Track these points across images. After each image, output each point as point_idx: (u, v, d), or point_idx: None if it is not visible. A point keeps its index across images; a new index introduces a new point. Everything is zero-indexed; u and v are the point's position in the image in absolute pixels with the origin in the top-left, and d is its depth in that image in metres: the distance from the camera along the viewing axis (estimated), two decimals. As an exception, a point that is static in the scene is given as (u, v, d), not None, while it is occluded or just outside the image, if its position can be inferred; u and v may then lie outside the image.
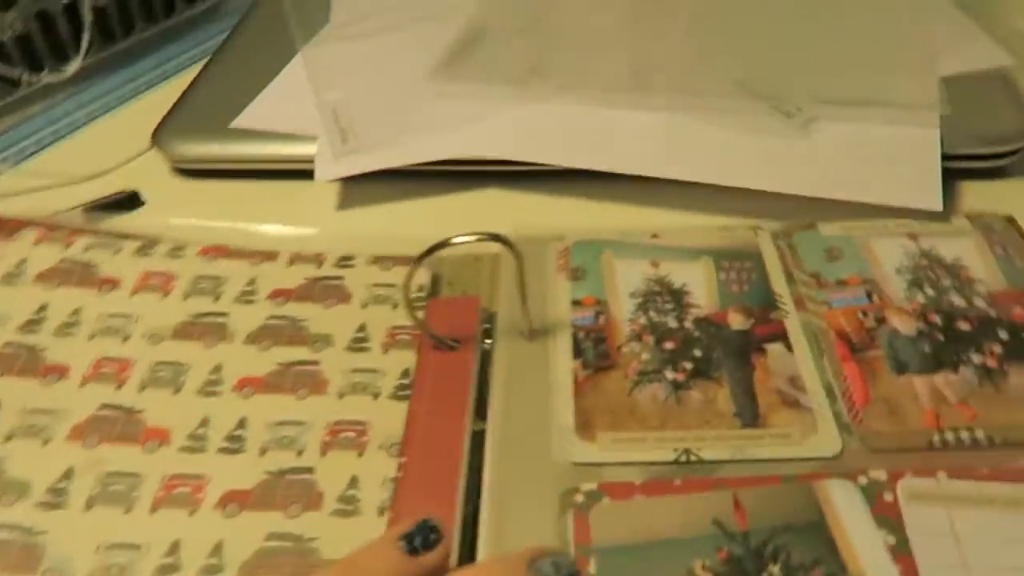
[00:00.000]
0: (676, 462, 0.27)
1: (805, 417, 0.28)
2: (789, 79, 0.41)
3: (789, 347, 0.31)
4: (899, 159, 0.38)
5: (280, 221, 0.41)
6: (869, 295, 0.32)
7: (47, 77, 0.51)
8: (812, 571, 0.24)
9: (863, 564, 0.24)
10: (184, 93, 0.48)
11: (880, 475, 0.26)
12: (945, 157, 0.37)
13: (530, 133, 0.41)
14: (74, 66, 0.52)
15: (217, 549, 0.27)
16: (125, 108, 0.52)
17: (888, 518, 0.25)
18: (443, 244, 0.31)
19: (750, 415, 0.29)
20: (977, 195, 0.38)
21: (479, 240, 0.30)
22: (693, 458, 0.27)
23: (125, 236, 0.40)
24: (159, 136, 0.45)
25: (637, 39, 0.44)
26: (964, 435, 0.27)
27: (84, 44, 0.52)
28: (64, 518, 0.28)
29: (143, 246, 0.39)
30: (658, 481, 0.27)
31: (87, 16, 0.51)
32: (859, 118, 0.40)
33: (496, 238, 0.31)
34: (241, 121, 0.45)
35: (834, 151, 0.39)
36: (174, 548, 0.27)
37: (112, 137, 0.49)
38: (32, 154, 0.48)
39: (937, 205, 0.35)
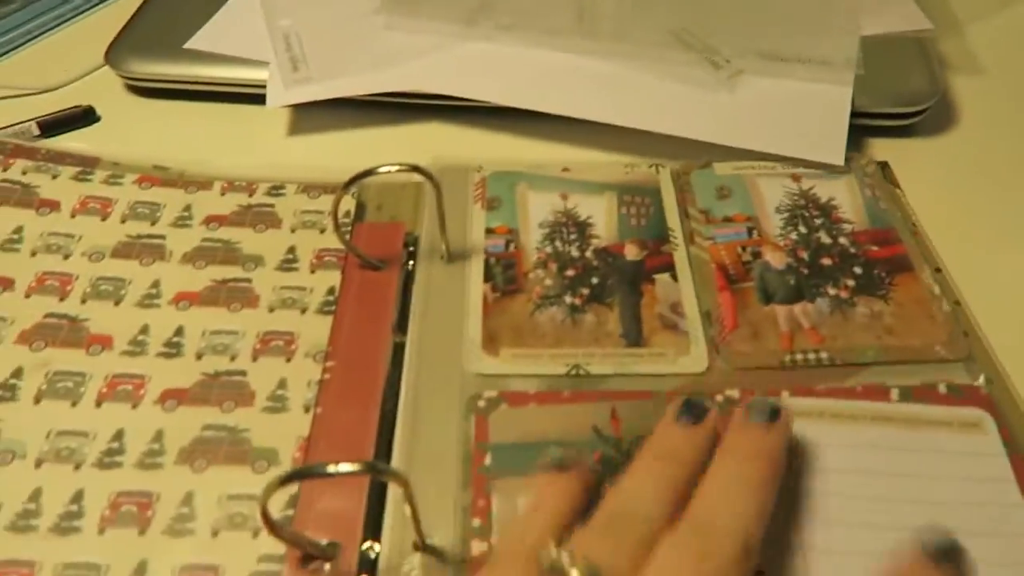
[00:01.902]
0: (567, 375, 0.31)
1: (681, 339, 0.33)
2: (721, 32, 0.43)
3: (675, 277, 0.35)
4: (811, 115, 0.41)
5: (230, 145, 0.43)
6: (750, 231, 0.36)
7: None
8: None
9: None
10: (139, 10, 0.49)
11: (734, 394, 0.30)
12: (857, 114, 0.41)
13: (473, 71, 0.43)
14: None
15: (158, 436, 0.30)
16: (80, 22, 0.52)
17: (737, 424, 0.29)
18: (368, 173, 0.33)
19: (634, 336, 0.33)
20: (883, 151, 0.42)
21: (401, 170, 0.33)
22: (582, 372, 0.31)
23: (62, 160, 0.41)
24: (113, 52, 0.46)
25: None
26: (811, 356, 0.32)
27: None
28: (15, 409, 0.31)
29: (81, 172, 0.40)
30: (550, 392, 0.31)
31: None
32: (781, 73, 0.42)
33: (416, 169, 0.33)
34: (195, 43, 0.46)
35: (753, 104, 0.41)
36: (118, 435, 0.30)
37: (66, 52, 0.50)
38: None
39: (839, 160, 0.39)
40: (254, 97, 0.44)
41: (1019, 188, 0.40)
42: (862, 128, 0.42)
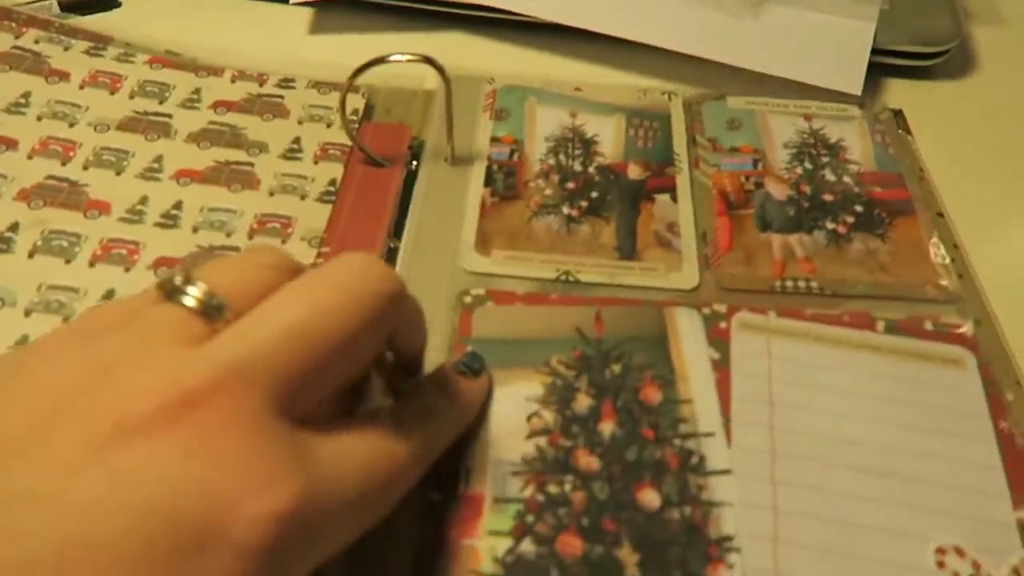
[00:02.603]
0: (557, 280, 0.32)
1: (673, 256, 0.33)
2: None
3: (675, 199, 0.35)
4: (833, 46, 0.41)
5: (249, 40, 0.43)
6: (755, 163, 0.36)
7: None
8: (645, 371, 0.28)
9: (688, 370, 0.28)
10: None
11: (721, 308, 0.30)
12: (877, 51, 0.40)
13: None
14: None
15: (146, 302, 0.31)
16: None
17: (720, 340, 0.29)
18: (378, 60, 0.33)
19: (628, 250, 0.33)
20: (899, 93, 0.41)
21: (411, 60, 0.33)
22: (571, 279, 0.32)
23: (75, 34, 0.41)
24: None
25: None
26: (801, 284, 0.32)
27: None
28: (9, 260, 0.31)
29: (93, 47, 0.40)
30: (537, 294, 0.31)
31: None
32: (806, 4, 0.42)
33: (428, 60, 0.33)
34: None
35: (776, 31, 0.41)
36: (109, 294, 0.31)
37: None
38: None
39: (856, 90, 0.39)
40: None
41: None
42: (881, 67, 0.41)
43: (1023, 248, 0.35)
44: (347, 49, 0.43)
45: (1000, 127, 0.40)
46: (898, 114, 0.39)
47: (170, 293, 0.20)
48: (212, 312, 0.19)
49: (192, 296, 0.20)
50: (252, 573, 0.16)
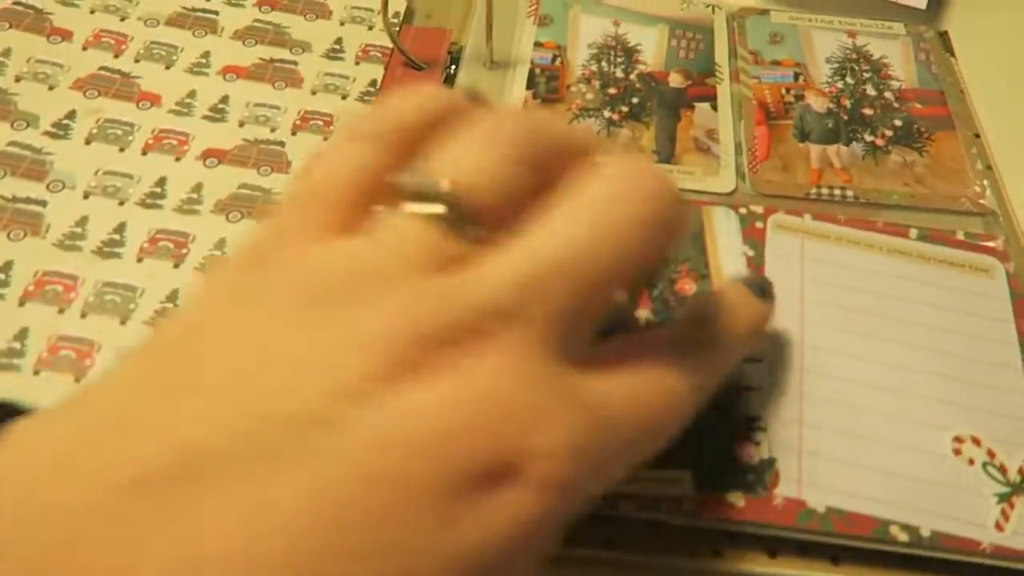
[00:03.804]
0: (595, 179, 0.32)
1: (711, 161, 0.33)
2: None
3: (715, 108, 0.35)
4: None
5: None
6: (796, 76, 0.36)
7: None
8: (682, 264, 0.29)
9: (723, 265, 0.29)
10: None
11: (758, 209, 0.31)
12: None
13: None
14: None
15: (198, 188, 0.32)
16: None
17: (755, 239, 0.30)
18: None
19: (667, 154, 0.33)
20: (966, 12, 0.40)
21: (456, -38, 0.33)
22: (610, 179, 0.32)
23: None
24: None
25: None
26: (836, 192, 0.32)
27: None
28: (67, 146, 0.32)
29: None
30: (576, 191, 0.32)
31: None
32: None
33: (471, -38, 0.33)
34: None
35: None
36: (161, 182, 0.32)
37: None
38: None
39: (921, 3, 0.38)
40: None
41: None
42: None
43: None
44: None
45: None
46: (943, 35, 0.39)
47: (413, 194, 0.17)
48: (463, 224, 0.17)
49: (441, 199, 0.17)
50: (548, 506, 0.16)
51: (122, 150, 0.33)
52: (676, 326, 0.21)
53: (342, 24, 0.38)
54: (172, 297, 0.29)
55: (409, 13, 0.39)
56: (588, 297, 0.17)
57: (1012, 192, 0.33)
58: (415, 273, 0.16)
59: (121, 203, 0.31)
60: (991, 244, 0.31)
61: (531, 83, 0.35)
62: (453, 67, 0.37)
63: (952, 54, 0.38)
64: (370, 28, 0.38)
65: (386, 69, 0.37)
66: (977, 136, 0.35)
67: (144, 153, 0.33)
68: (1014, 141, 0.35)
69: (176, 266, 0.30)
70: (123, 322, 0.28)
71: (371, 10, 0.39)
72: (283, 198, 0.19)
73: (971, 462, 0.25)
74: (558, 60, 0.36)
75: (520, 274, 0.16)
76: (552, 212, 0.18)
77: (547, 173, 0.18)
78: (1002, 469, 0.24)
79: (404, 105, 0.19)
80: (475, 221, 0.17)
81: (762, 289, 0.24)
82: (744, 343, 0.23)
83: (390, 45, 0.37)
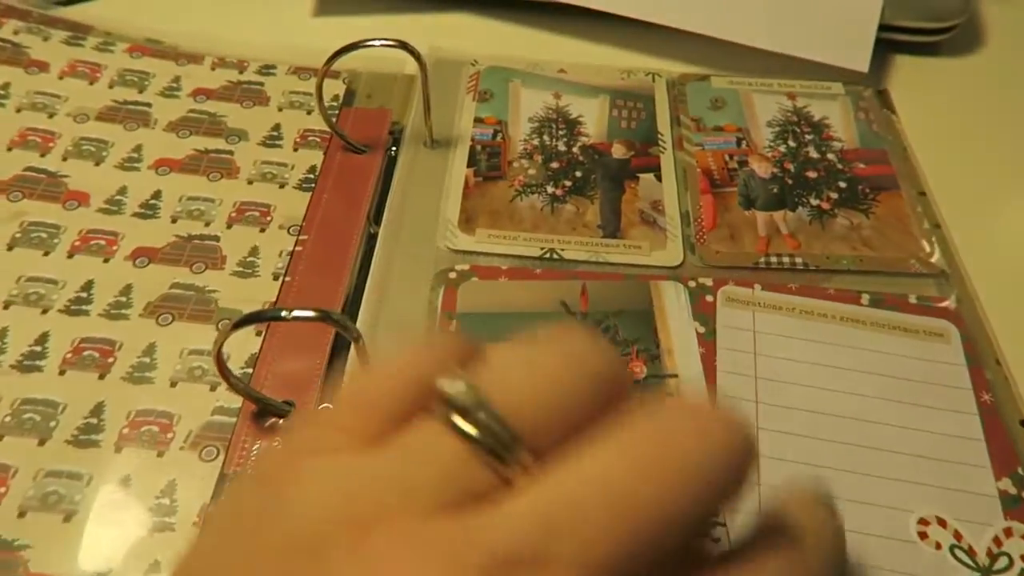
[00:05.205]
0: (540, 258, 0.31)
1: (658, 235, 0.32)
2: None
3: (659, 178, 0.34)
4: (839, 20, 0.40)
5: (250, 22, 0.43)
6: (739, 141, 0.36)
7: None
8: (632, 345, 0.28)
9: (674, 344, 0.28)
10: None
11: (707, 282, 0.30)
12: (883, 28, 0.40)
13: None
14: None
15: (127, 290, 0.30)
16: None
17: (705, 314, 0.29)
18: (354, 46, 0.33)
19: (612, 228, 0.32)
20: (906, 69, 0.41)
21: (387, 46, 0.33)
22: (556, 256, 0.31)
23: (54, 24, 0.41)
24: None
25: None
26: (785, 259, 0.32)
27: None
28: (-14, 253, 0.31)
29: (72, 36, 0.40)
30: (522, 268, 0.31)
31: None
32: None
33: (403, 45, 0.33)
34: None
35: (781, 7, 0.40)
36: (88, 286, 0.30)
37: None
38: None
39: (863, 67, 0.38)
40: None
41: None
42: (884, 43, 0.41)
43: (1005, 229, 0.35)
44: (343, 31, 0.43)
45: (996, 108, 0.40)
46: (882, 93, 0.39)
47: (449, 410, 0.15)
48: (500, 450, 0.15)
49: (475, 422, 0.15)
50: None
51: (46, 254, 0.31)
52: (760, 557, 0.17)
53: (280, 110, 0.38)
54: (96, 411, 0.27)
55: (349, 94, 0.39)
56: (633, 543, 0.14)
57: (962, 249, 0.33)
58: (424, 511, 0.14)
59: (44, 311, 0.29)
60: (944, 304, 0.30)
61: (472, 161, 0.35)
62: (394, 148, 0.36)
63: (893, 111, 0.38)
64: (309, 113, 0.38)
65: (325, 154, 0.36)
66: (923, 194, 0.35)
67: (70, 256, 0.31)
68: (960, 198, 0.35)
69: (101, 377, 0.28)
70: (42, 443, 0.26)
71: (310, 94, 0.38)
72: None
73: (938, 546, 0.24)
74: (499, 136, 0.36)
75: (548, 514, 0.14)
76: (594, 445, 0.15)
77: (592, 406, 0.16)
78: (971, 552, 0.23)
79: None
80: (511, 447, 0.15)
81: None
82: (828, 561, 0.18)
83: (329, 130, 0.36)
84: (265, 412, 0.27)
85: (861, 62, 0.38)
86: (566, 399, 0.16)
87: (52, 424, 0.27)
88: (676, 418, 0.16)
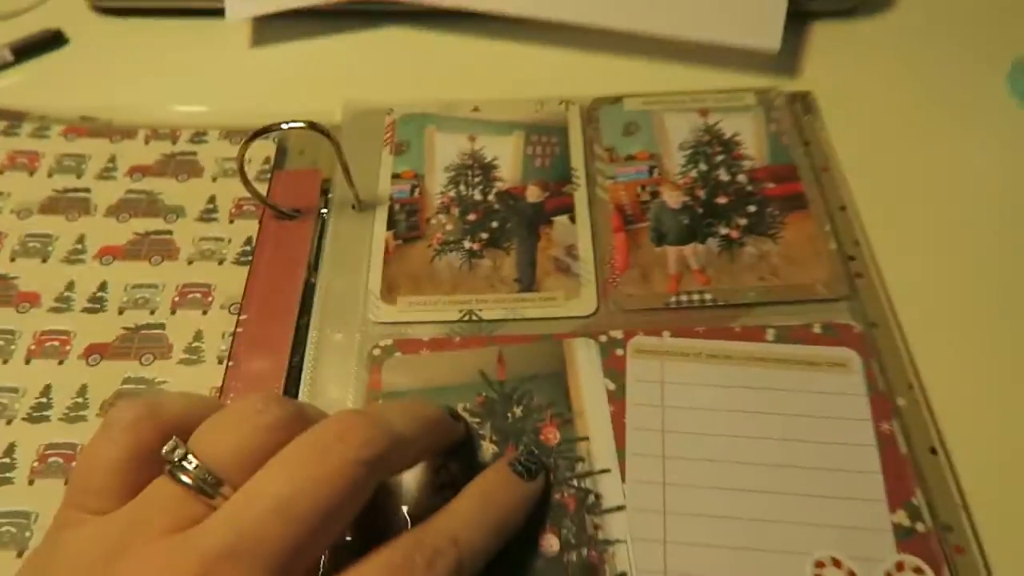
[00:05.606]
0: (460, 321, 0.33)
1: (572, 282, 0.34)
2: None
3: (573, 219, 0.36)
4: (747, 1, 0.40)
5: (195, 64, 0.45)
6: (651, 170, 0.37)
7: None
8: (546, 411, 0.30)
9: (586, 405, 0.30)
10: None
11: (618, 334, 0.32)
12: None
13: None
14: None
15: (82, 390, 0.33)
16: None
17: (615, 370, 0.31)
18: (266, 130, 0.34)
19: (528, 281, 0.34)
20: (821, 37, 0.42)
21: (299, 128, 0.34)
22: (475, 317, 0.33)
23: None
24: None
25: None
26: (695, 297, 0.33)
27: None
28: (-51, 371, 0.33)
29: (9, 126, 0.41)
30: (441, 339, 0.33)
31: None
32: None
33: (313, 127, 0.34)
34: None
35: None
36: (47, 391, 0.33)
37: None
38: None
39: (775, 45, 0.38)
40: (218, 12, 0.45)
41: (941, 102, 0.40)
42: (798, 13, 0.41)
43: (931, 231, 0.35)
44: (270, 87, 0.44)
45: (917, 78, 0.40)
46: (804, 97, 0.39)
47: (169, 468, 0.22)
48: (208, 489, 0.21)
49: (188, 473, 0.22)
50: None
51: (5, 362, 0.34)
52: (422, 528, 0.24)
53: (214, 180, 0.39)
54: (68, 514, 0.30)
55: (281, 153, 0.40)
56: (301, 537, 0.21)
57: (884, 262, 0.33)
58: (155, 536, 0.21)
59: (8, 422, 0.32)
60: (850, 326, 0.31)
61: (392, 223, 0.36)
62: (326, 209, 0.38)
63: (811, 111, 0.39)
64: (241, 180, 0.39)
65: (261, 223, 0.38)
66: (843, 208, 0.35)
67: (27, 361, 0.34)
68: (885, 202, 0.35)
69: (67, 483, 0.31)
70: (20, 554, 0.29)
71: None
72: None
73: (829, 588, 0.26)
74: (416, 191, 0.37)
75: (232, 525, 0.21)
76: (265, 468, 0.22)
77: (278, 444, 0.22)
78: (859, 591, 0.26)
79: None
80: (216, 485, 0.22)
81: (530, 470, 0.27)
82: (498, 530, 0.25)
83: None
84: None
85: (772, 40, 0.38)
86: (255, 443, 0.22)
87: (27, 535, 0.30)
88: (322, 432, 0.23)
